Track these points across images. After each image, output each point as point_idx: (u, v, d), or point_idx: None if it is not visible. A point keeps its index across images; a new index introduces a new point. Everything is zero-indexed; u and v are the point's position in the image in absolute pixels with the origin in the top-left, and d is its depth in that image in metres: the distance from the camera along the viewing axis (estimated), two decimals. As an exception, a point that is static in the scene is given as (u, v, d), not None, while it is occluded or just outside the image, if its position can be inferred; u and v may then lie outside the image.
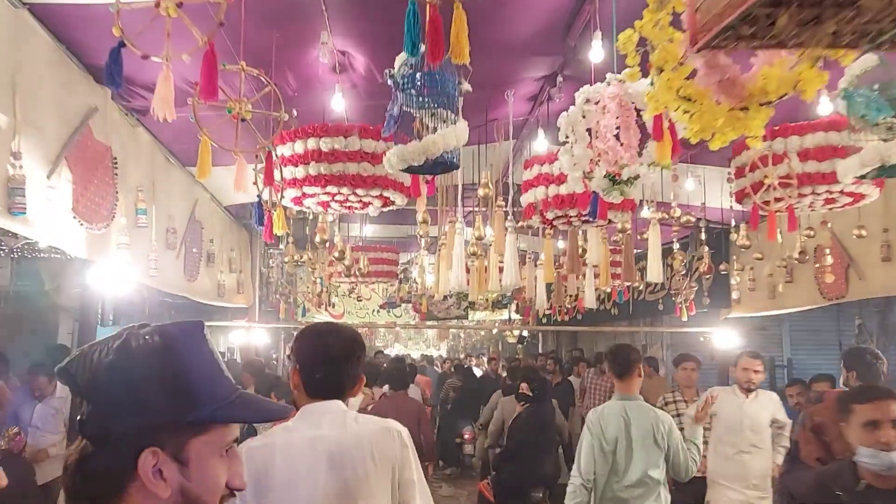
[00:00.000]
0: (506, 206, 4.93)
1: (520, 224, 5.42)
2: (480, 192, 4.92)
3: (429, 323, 13.24)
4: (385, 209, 4.56)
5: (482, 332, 20.93)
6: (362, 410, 6.65)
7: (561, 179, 4.20)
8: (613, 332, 14.61)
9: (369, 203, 4.31)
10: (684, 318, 8.58)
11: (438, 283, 6.27)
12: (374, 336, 25.24)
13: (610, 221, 4.44)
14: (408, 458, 2.21)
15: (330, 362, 2.17)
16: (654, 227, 5.02)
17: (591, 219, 4.22)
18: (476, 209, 6.02)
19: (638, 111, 3.28)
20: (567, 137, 3.51)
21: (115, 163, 4.41)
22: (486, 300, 12.13)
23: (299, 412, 2.18)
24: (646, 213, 5.15)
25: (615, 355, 4.21)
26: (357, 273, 7.61)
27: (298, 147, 4.08)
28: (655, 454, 3.97)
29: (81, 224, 3.90)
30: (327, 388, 2.18)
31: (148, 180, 5.17)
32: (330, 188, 4.05)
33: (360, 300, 10.83)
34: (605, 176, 3.36)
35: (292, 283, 9.25)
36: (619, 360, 4.17)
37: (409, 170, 2.98)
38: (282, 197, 4.04)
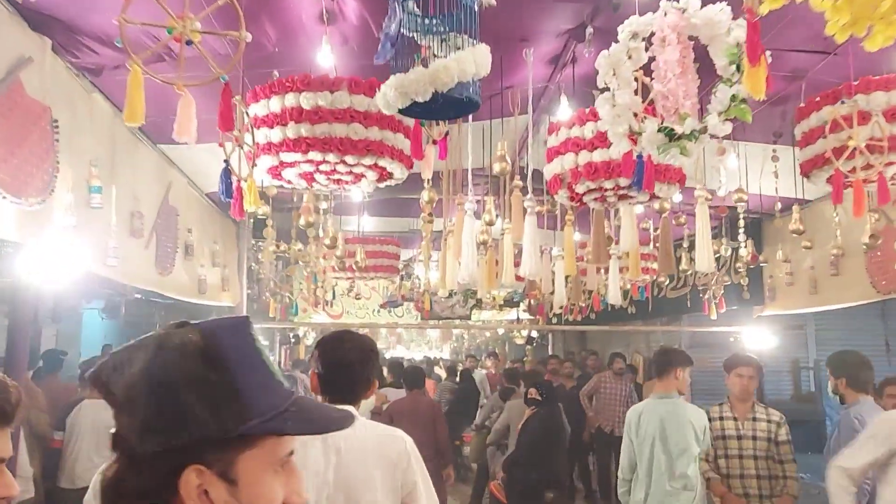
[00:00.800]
0: (524, 184, 4.20)
1: (539, 209, 4.73)
2: (496, 166, 4.17)
3: (431, 323, 12.49)
4: (382, 184, 3.80)
5: (487, 334, 20.14)
6: (377, 410, 6.27)
7: (594, 144, 3.46)
8: (627, 332, 13.89)
9: (362, 175, 3.56)
10: (713, 317, 7.83)
11: (445, 276, 5.53)
12: (376, 338, 24.51)
13: (651, 197, 3.68)
14: (412, 463, 2.32)
15: (346, 367, 2.32)
16: (702, 207, 4.26)
17: (633, 190, 3.48)
18: (487, 194, 5.25)
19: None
20: (607, 84, 2.76)
21: (57, 127, 3.66)
22: (494, 299, 11.38)
23: None
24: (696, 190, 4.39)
25: (657, 355, 4.84)
26: (354, 267, 6.86)
27: (274, 104, 3.33)
28: (692, 451, 4.38)
29: (4, 197, 3.15)
30: (342, 390, 2.30)
31: (106, 155, 4.43)
32: (313, 155, 3.29)
33: (359, 298, 10.07)
34: (659, 129, 2.60)
35: (286, 279, 8.47)
36: (659, 361, 4.75)
37: (413, 112, 2.22)
38: (254, 164, 3.29)
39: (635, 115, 2.69)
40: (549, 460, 6.21)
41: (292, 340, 13.82)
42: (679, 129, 2.56)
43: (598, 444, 8.74)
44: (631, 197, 3.63)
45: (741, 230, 5.80)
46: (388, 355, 20.25)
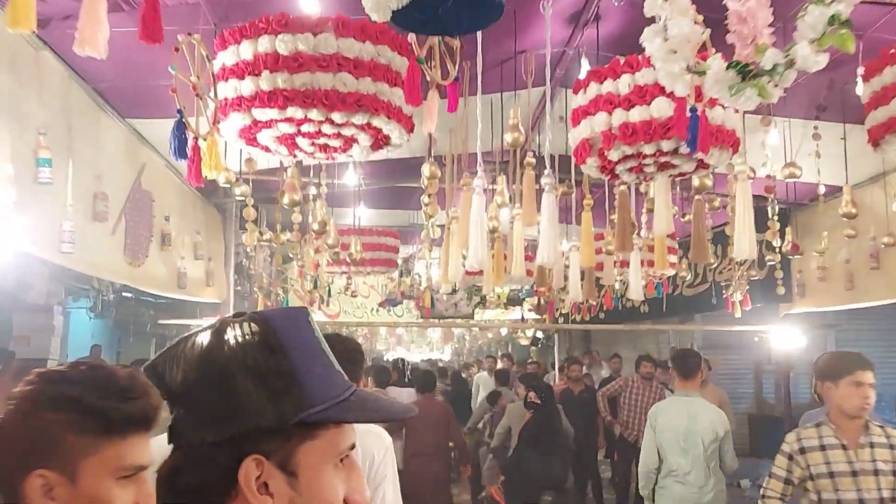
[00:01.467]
0: (537, 162, 3.63)
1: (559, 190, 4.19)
2: (508, 137, 3.58)
3: (432, 322, 11.89)
4: (378, 153, 3.22)
5: (489, 335, 19.52)
6: None
7: (631, 101, 2.87)
8: (635, 332, 13.30)
9: (352, 140, 2.97)
10: (737, 315, 7.23)
11: (447, 269, 4.96)
12: (375, 339, 23.89)
13: (699, 166, 3.09)
14: (386, 457, 2.63)
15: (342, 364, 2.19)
16: (743, 185, 3.67)
17: (678, 158, 2.90)
18: (498, 174, 4.67)
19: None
20: (657, 15, 2.18)
21: (-13, 83, 3.08)
22: (498, 297, 10.78)
23: None
24: (736, 163, 3.79)
25: (685, 358, 4.92)
26: (349, 260, 6.28)
27: (246, 51, 2.74)
28: (713, 448, 4.52)
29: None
30: None
31: (59, 124, 3.85)
32: (293, 111, 2.70)
33: (356, 296, 9.49)
34: (730, 66, 2.03)
35: (278, 275, 7.87)
36: (689, 363, 4.84)
37: (413, 21, 1.63)
38: (216, 120, 2.70)
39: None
40: (548, 463, 6.15)
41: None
42: (757, 64, 1.97)
43: (620, 455, 8.03)
44: (673, 166, 3.04)
45: (775, 217, 5.20)
46: (387, 357, 19.64)
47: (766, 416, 11.17)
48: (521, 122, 5.18)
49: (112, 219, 4.54)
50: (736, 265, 7.27)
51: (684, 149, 2.83)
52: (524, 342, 14.91)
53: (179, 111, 2.44)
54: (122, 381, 1.28)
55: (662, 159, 2.94)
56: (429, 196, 4.30)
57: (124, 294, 11.01)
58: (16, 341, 8.82)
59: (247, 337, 0.90)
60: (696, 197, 4.09)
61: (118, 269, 4.79)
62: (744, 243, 3.54)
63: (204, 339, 0.91)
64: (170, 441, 0.93)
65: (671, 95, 2.79)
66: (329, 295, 10.53)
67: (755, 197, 6.15)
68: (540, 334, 13.91)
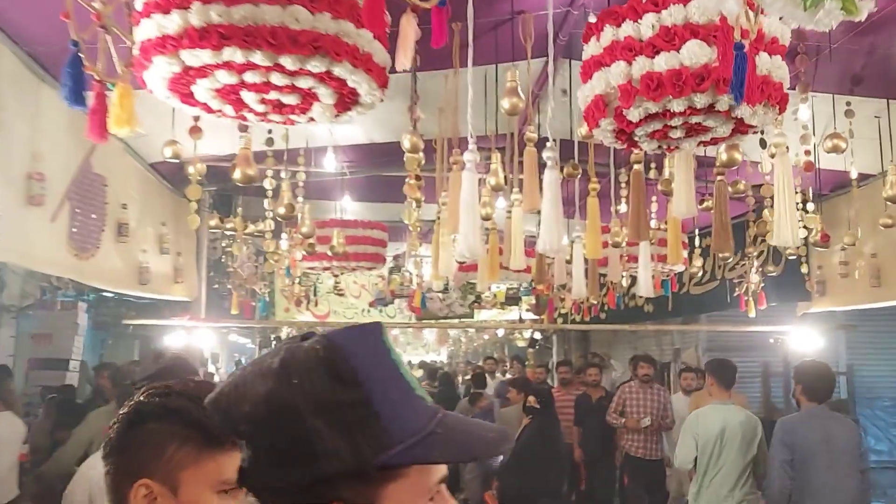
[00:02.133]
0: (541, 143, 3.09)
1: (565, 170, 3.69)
2: (505, 103, 3.01)
3: (423, 322, 11.30)
4: (346, 116, 2.65)
5: (486, 336, 18.95)
6: None
7: (656, 46, 2.30)
8: (635, 334, 12.74)
9: (312, 96, 2.40)
10: (752, 314, 6.68)
11: (438, 262, 4.41)
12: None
13: (736, 131, 2.52)
14: None
15: None
16: (782, 159, 3.12)
17: (710, 122, 2.34)
18: (493, 151, 4.10)
19: None
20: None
21: None
22: (495, 296, 10.22)
23: None
24: (770, 137, 3.23)
25: (723, 366, 5.25)
26: (329, 254, 5.71)
27: (172, -22, 2.17)
28: (750, 454, 4.74)
29: None
30: None
31: (-20, 91, 3.28)
32: (231, 54, 2.13)
33: (342, 294, 8.91)
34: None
35: (256, 271, 7.28)
36: (727, 371, 5.16)
37: None
38: (130, 63, 2.13)
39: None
40: (545, 470, 6.08)
41: (274, 343, 12.65)
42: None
43: (630, 474, 7.23)
44: (705, 129, 2.48)
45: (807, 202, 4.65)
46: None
47: (775, 421, 10.62)
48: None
49: (52, 203, 3.97)
50: (750, 260, 6.72)
51: (722, 104, 2.28)
52: (521, 343, 14.32)
53: (74, 43, 1.86)
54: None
55: (694, 119, 2.37)
56: (415, 178, 3.74)
57: (104, 294, 10.48)
58: (36, 340, 8.33)
59: (313, 367, 0.82)
60: (719, 178, 3.56)
61: (60, 260, 4.21)
62: (785, 229, 3.00)
63: (267, 369, 0.83)
64: (240, 484, 0.86)
65: (706, 37, 2.24)
66: (315, 294, 9.99)
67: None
68: (538, 335, 13.33)
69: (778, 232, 3.01)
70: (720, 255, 5.67)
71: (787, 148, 3.28)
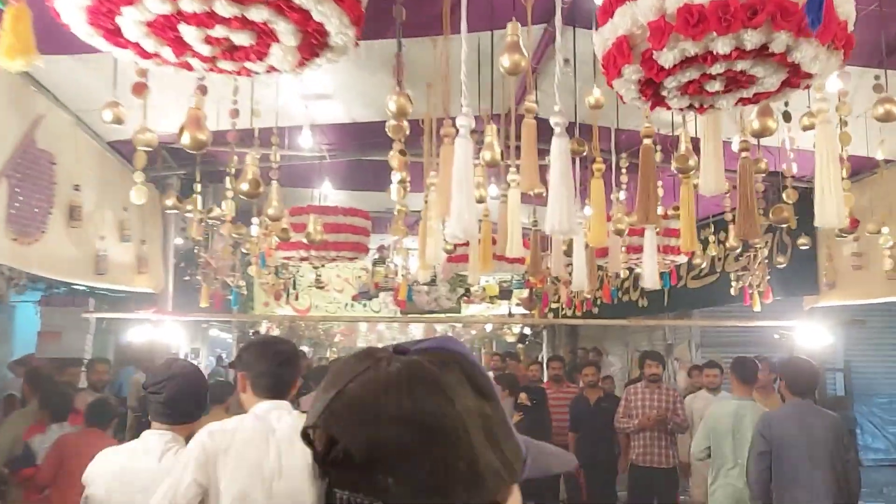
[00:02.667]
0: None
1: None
2: (505, 61, 2.54)
3: (412, 317, 10.83)
4: (311, 64, 2.18)
5: (473, 331, 18.48)
6: None
7: (695, -27, 1.85)
8: (626, 329, 12.34)
9: (269, 35, 1.94)
10: (756, 308, 6.28)
11: (426, 248, 3.96)
12: (355, 335, 22.82)
13: (786, 84, 2.08)
14: None
15: (277, 366, 2.48)
16: (825, 128, 2.70)
17: (777, 55, 1.90)
18: (489, 121, 3.64)
19: None
20: None
21: None
22: (484, 290, 9.77)
23: (251, 410, 2.44)
24: (816, 101, 2.78)
25: (744, 364, 5.29)
26: (305, 241, 5.24)
27: None
28: None
29: None
30: (274, 388, 2.47)
31: None
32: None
33: (323, 287, 8.44)
34: None
35: (224, 258, 6.76)
36: (748, 369, 5.25)
37: None
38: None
39: None
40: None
41: (252, 337, 12.14)
42: None
43: (633, 486, 6.36)
44: (750, 81, 2.03)
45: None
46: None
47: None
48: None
49: (-16, 180, 3.48)
50: (757, 251, 6.32)
51: (778, 44, 1.84)
52: (510, 339, 13.87)
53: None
54: None
55: (740, 65, 1.92)
56: (399, 154, 3.27)
57: (75, 286, 9.98)
58: (42, 338, 7.78)
59: (457, 381, 0.77)
60: (743, 154, 3.14)
61: (-3, 246, 3.72)
62: (829, 208, 2.58)
63: (390, 385, 0.75)
64: None
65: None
66: (295, 287, 9.50)
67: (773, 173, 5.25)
68: (527, 330, 12.88)
69: (821, 212, 2.59)
70: (750, 241, 5.22)
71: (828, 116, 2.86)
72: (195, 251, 7.13)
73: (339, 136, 5.84)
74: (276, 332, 13.49)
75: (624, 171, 5.14)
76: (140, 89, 2.59)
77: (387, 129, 3.16)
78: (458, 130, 2.64)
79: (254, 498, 2.26)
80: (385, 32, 3.91)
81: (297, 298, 10.85)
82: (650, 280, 4.53)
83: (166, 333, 5.93)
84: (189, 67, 2.14)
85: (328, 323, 18.99)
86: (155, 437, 2.51)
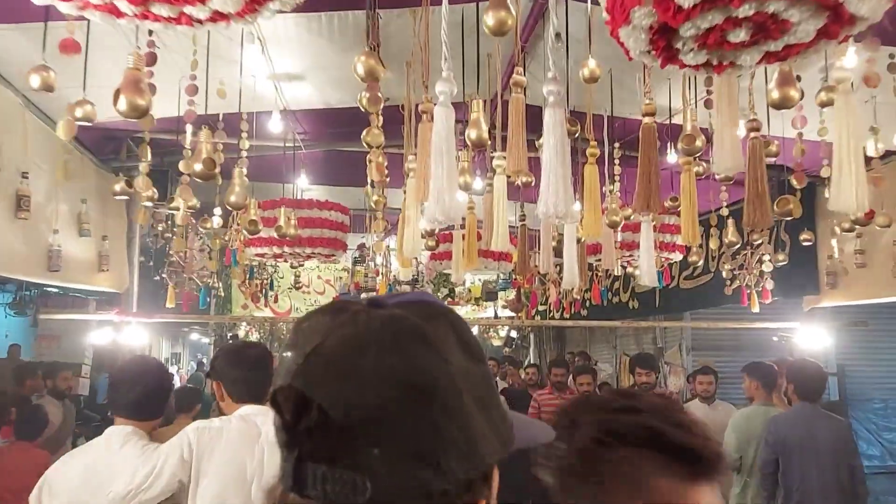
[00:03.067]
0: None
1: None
2: (489, 19, 2.21)
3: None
4: (263, 9, 1.84)
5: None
6: None
7: None
8: (612, 331, 12.06)
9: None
10: (755, 309, 5.99)
11: (404, 239, 3.62)
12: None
13: (822, 34, 1.76)
14: None
15: (249, 371, 2.50)
16: (846, 99, 2.39)
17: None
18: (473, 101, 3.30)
19: None
20: None
21: None
22: (470, 291, 9.43)
23: (236, 413, 2.44)
24: (849, 62, 2.48)
25: (765, 371, 5.08)
26: (277, 236, 4.89)
27: None
28: None
29: None
30: (251, 393, 2.48)
31: None
32: None
33: (300, 288, 8.09)
34: None
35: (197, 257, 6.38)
36: (772, 375, 5.04)
37: None
38: None
39: None
40: (518, 474, 4.81)
41: (229, 341, 11.72)
42: None
43: None
44: (780, 31, 1.71)
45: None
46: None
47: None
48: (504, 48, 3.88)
49: None
50: (751, 249, 6.03)
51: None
52: (496, 342, 13.52)
53: None
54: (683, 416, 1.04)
55: (772, 6, 1.60)
56: (375, 130, 2.94)
57: (47, 288, 9.57)
58: (39, 341, 7.34)
59: (444, 336, 0.70)
60: (753, 135, 2.84)
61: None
62: (847, 191, 2.30)
63: (368, 338, 0.67)
64: (362, 499, 0.65)
65: None
66: (272, 288, 9.13)
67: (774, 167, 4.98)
68: (514, 333, 12.54)
69: (837, 195, 2.29)
70: (756, 229, 4.92)
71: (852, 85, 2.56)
72: (167, 249, 6.76)
73: (312, 124, 5.50)
74: (255, 335, 13.12)
75: (617, 161, 4.85)
76: (71, 48, 2.23)
77: (360, 103, 2.83)
78: (438, 97, 2.32)
79: (231, 501, 2.29)
80: (359, 2, 3.58)
81: (276, 300, 10.49)
82: (648, 276, 4.24)
83: (130, 336, 5.55)
84: (117, 12, 1.80)
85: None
86: (117, 431, 2.47)
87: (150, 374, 2.54)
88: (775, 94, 2.41)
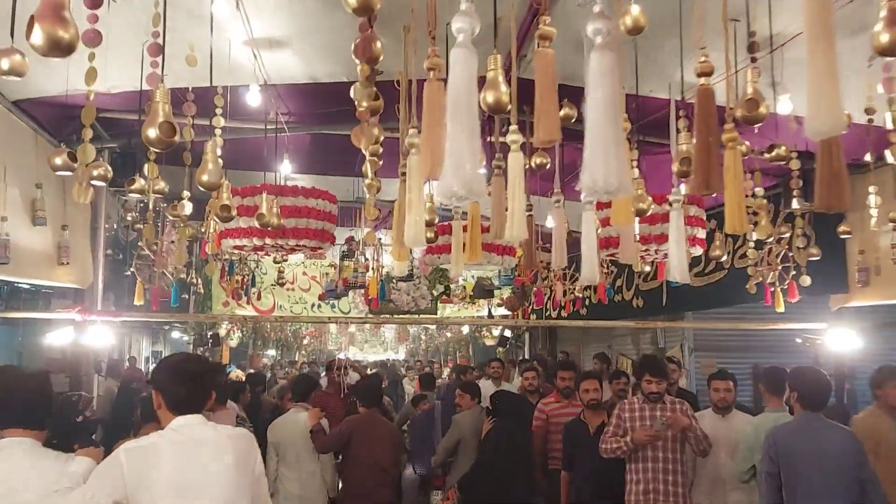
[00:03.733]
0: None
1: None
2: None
3: (383, 318, 9.94)
4: None
5: (448, 333, 17.61)
6: (316, 428, 4.96)
7: None
8: (610, 330, 11.53)
9: None
10: (780, 309, 5.48)
11: (404, 227, 3.07)
12: (325, 337, 21.89)
13: None
14: (259, 457, 2.65)
15: (190, 385, 2.52)
16: None
17: None
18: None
19: None
20: None
21: None
22: (464, 288, 8.90)
23: (169, 426, 2.45)
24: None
25: (773, 377, 4.66)
26: (258, 225, 4.34)
27: None
28: None
29: None
30: (189, 404, 2.50)
31: None
32: None
33: (283, 284, 7.53)
34: None
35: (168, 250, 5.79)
36: (778, 379, 4.56)
37: None
38: None
39: None
40: (510, 478, 5.13)
41: (210, 341, 11.12)
42: None
43: None
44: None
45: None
46: (342, 357, 17.56)
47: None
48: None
49: None
50: (775, 242, 5.53)
51: None
52: (490, 342, 12.96)
53: None
54: None
55: None
56: (366, 81, 2.40)
57: (18, 286, 8.97)
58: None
59: None
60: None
61: None
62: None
63: None
64: None
65: None
66: (253, 285, 8.56)
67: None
68: (508, 333, 12.01)
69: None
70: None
71: None
72: (139, 242, 6.18)
73: (296, 102, 4.94)
74: (237, 332, 12.53)
75: (635, 145, 4.35)
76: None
77: (354, 54, 2.29)
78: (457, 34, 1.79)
79: None
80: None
81: (258, 298, 9.91)
82: (679, 271, 3.70)
83: (95, 336, 4.99)
84: None
85: (296, 324, 18.02)
86: (16, 442, 2.47)
87: (29, 385, 2.56)
88: (884, 38, 1.89)
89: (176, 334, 20.93)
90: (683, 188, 3.56)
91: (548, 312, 10.60)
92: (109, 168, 3.09)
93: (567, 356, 11.09)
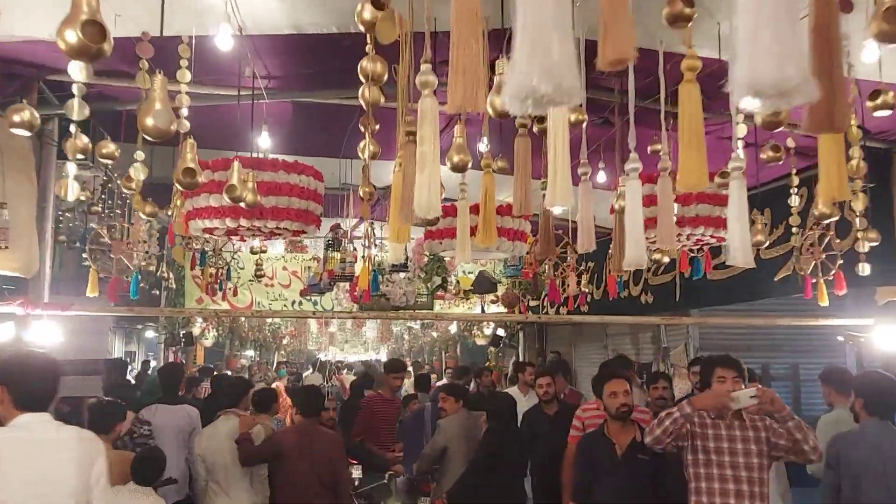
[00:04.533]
0: None
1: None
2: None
3: (372, 313, 9.23)
4: None
5: (435, 333, 16.90)
6: (244, 437, 4.60)
7: None
8: (605, 328, 10.90)
9: None
10: (823, 303, 4.87)
11: (416, 189, 2.39)
12: (306, 337, 21.10)
13: None
14: (101, 461, 2.66)
15: (35, 381, 2.58)
16: None
17: None
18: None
19: None
20: None
21: None
22: (458, 284, 8.22)
23: (13, 422, 2.52)
24: None
25: (840, 373, 4.76)
26: (233, 200, 3.64)
27: None
28: None
29: None
30: (33, 401, 2.55)
31: None
32: None
33: (261, 278, 6.82)
34: None
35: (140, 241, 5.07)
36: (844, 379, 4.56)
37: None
38: None
39: None
40: (504, 483, 4.91)
41: (182, 341, 10.35)
42: None
43: None
44: None
45: None
46: (323, 358, 16.85)
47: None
48: None
49: None
50: (815, 227, 4.95)
51: None
52: (481, 341, 12.23)
53: None
54: None
55: None
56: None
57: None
58: None
59: None
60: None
61: None
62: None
63: None
64: None
65: None
66: (229, 279, 7.84)
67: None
68: (501, 332, 11.31)
69: None
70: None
71: None
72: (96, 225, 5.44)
73: (278, 59, 4.24)
74: (212, 331, 11.79)
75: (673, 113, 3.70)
76: None
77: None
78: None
79: None
80: None
81: (235, 294, 9.18)
82: (742, 254, 3.04)
83: (40, 333, 4.28)
84: None
85: (275, 323, 17.26)
86: None
87: None
88: None
89: (150, 333, 20.06)
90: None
91: (544, 309, 9.96)
92: (36, 114, 2.39)
93: (559, 356, 10.48)
